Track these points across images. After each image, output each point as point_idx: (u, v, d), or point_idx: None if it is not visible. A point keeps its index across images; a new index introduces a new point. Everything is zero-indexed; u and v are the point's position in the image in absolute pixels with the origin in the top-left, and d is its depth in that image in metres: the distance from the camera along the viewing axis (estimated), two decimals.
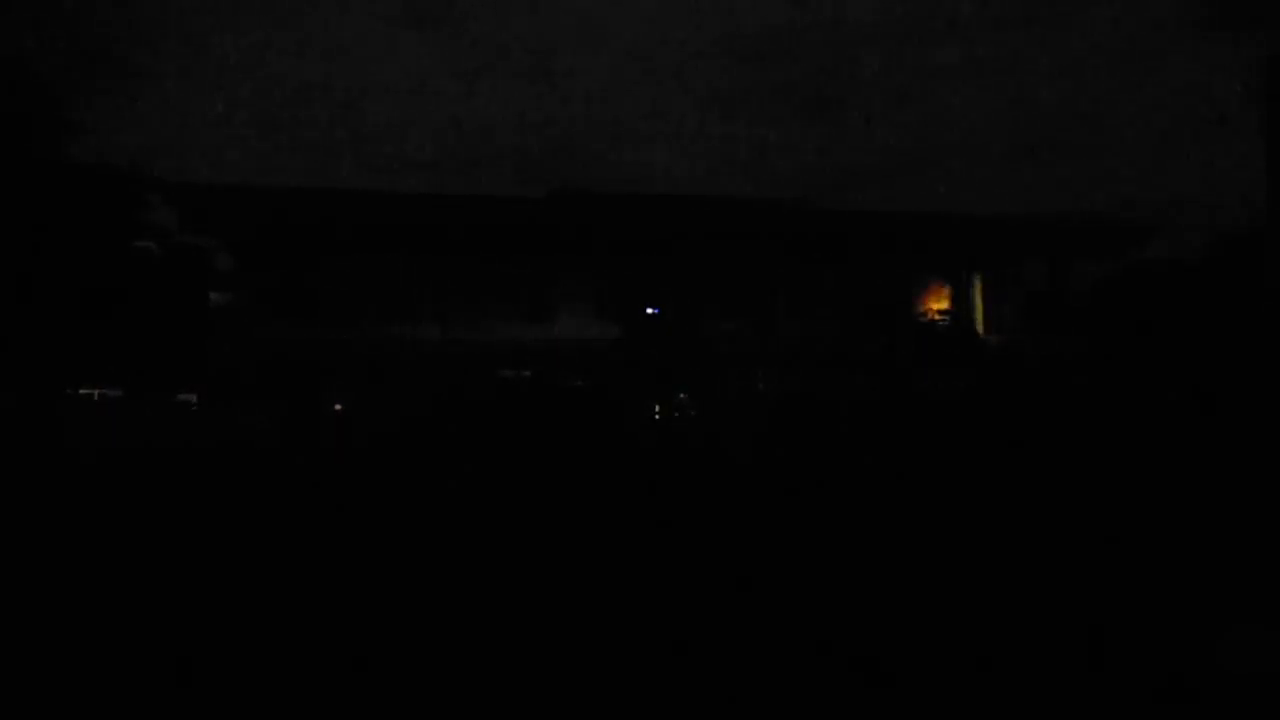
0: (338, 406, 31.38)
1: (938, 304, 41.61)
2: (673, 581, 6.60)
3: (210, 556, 7.73)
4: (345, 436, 21.79)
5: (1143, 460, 12.98)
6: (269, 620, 5.74)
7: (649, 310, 37.86)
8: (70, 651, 5.17)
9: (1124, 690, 4.34)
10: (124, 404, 28.33)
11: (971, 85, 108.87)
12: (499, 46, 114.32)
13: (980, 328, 42.87)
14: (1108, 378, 24.13)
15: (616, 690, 4.47)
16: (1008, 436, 17.09)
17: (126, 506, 10.77)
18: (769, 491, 11.31)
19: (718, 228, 36.23)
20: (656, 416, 29.92)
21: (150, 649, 5.17)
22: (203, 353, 28.74)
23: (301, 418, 25.07)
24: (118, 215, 23.80)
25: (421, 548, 8.08)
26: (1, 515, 10.08)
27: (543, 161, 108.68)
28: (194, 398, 31.03)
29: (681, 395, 33.89)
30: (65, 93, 23.33)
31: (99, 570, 7.33)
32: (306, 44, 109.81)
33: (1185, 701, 4.22)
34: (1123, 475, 11.54)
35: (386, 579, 6.81)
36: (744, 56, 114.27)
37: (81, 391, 28.72)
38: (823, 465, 14.19)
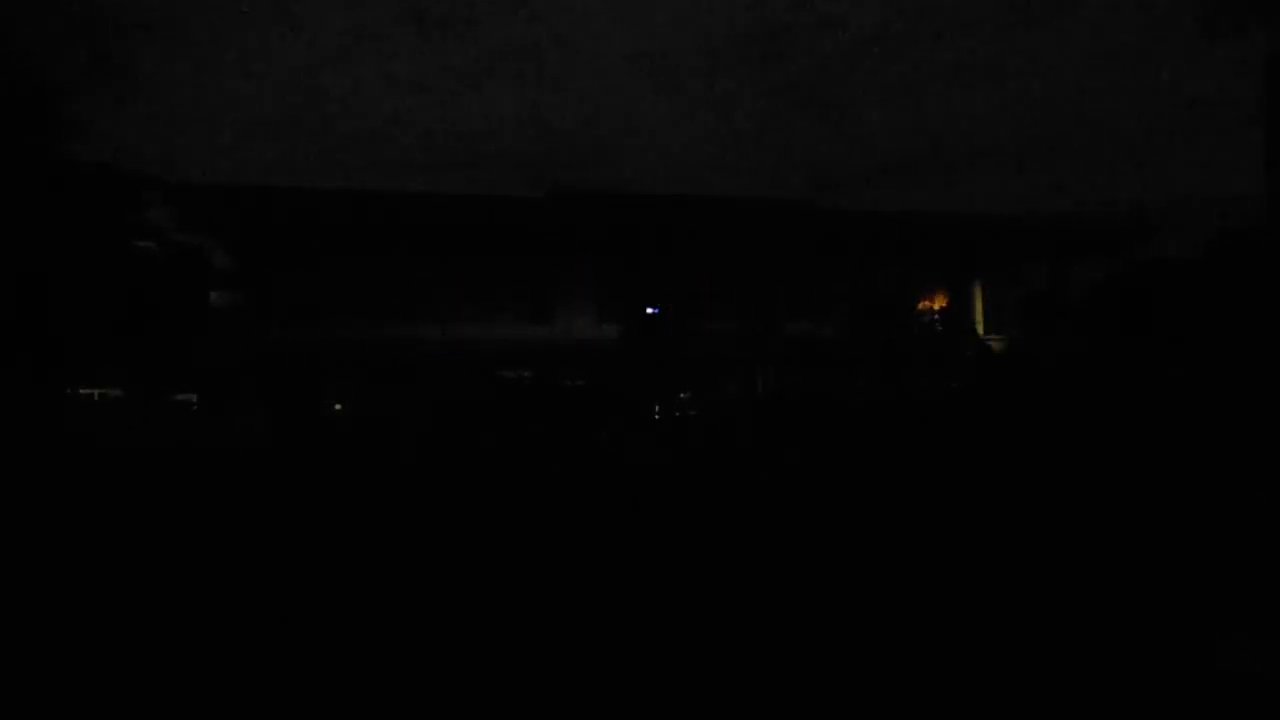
0: (337, 406, 31.38)
1: (938, 304, 41.58)
2: (668, 584, 6.58)
3: (210, 555, 7.72)
4: (345, 436, 21.77)
5: (1142, 461, 12.96)
6: (268, 619, 5.74)
7: (649, 310, 37.80)
8: (69, 648, 5.16)
9: (1122, 691, 4.33)
10: (124, 404, 28.32)
11: (971, 85, 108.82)
12: (498, 46, 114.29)
13: (980, 328, 42.88)
14: (1107, 377, 24.11)
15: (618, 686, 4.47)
16: (1005, 435, 17.06)
17: (127, 505, 10.76)
18: (765, 483, 11.29)
19: (718, 228, 36.22)
20: (657, 416, 29.88)
21: (149, 647, 5.17)
22: (203, 353, 28.72)
23: (301, 418, 25.04)
24: (117, 215, 23.77)
25: (421, 545, 8.06)
26: (2, 513, 10.07)
27: (543, 161, 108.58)
28: (194, 398, 31.02)
29: (682, 395, 33.85)
30: (65, 92, 23.32)
31: (98, 569, 7.32)
32: (307, 44, 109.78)
33: (1183, 703, 4.20)
34: (1121, 476, 11.52)
35: (387, 577, 6.80)
36: (744, 57, 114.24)
37: (81, 391, 28.70)
38: (821, 459, 14.17)
